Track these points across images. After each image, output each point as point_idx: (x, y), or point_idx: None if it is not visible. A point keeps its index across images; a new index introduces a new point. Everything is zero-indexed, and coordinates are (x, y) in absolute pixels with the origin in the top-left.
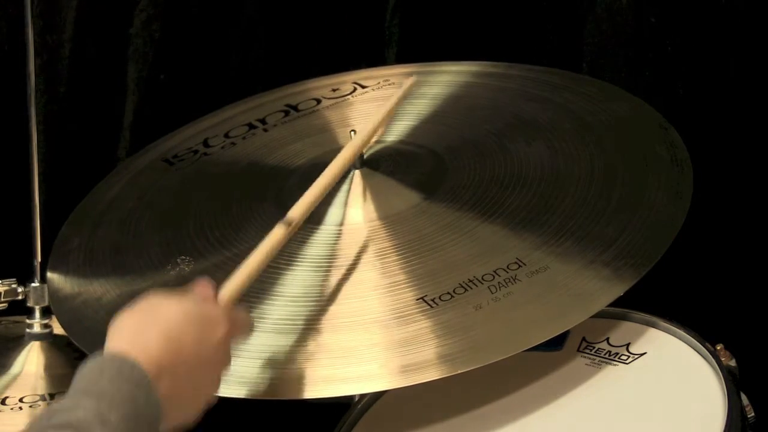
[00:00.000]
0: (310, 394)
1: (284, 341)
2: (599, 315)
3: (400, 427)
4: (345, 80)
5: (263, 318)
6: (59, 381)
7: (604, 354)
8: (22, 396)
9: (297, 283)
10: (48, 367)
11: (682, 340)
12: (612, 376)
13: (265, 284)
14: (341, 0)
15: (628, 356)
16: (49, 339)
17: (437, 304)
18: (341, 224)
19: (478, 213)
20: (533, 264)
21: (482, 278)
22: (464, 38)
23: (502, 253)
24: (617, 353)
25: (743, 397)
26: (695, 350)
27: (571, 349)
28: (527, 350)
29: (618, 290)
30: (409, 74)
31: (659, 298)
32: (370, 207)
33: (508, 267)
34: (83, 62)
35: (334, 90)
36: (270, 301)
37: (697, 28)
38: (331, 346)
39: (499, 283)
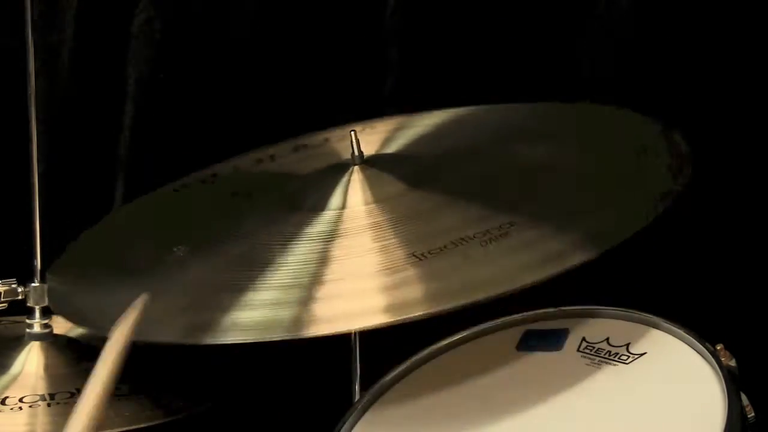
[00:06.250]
0: (306, 333)
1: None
2: (599, 315)
3: (400, 427)
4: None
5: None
6: (59, 381)
7: (604, 354)
8: (22, 396)
9: (296, 257)
10: (48, 367)
11: (682, 340)
12: (612, 376)
13: (268, 254)
14: (339, 18)
15: (628, 356)
16: (49, 339)
17: (426, 257)
18: (342, 208)
19: (472, 203)
20: (526, 225)
21: (473, 235)
22: (464, 47)
23: (495, 219)
24: (617, 353)
25: (743, 397)
26: (695, 350)
27: (571, 349)
28: (526, 351)
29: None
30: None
31: (659, 298)
32: (368, 194)
33: (500, 227)
34: (83, 62)
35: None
36: (273, 268)
37: (697, 29)
38: (326, 294)
39: (490, 238)
